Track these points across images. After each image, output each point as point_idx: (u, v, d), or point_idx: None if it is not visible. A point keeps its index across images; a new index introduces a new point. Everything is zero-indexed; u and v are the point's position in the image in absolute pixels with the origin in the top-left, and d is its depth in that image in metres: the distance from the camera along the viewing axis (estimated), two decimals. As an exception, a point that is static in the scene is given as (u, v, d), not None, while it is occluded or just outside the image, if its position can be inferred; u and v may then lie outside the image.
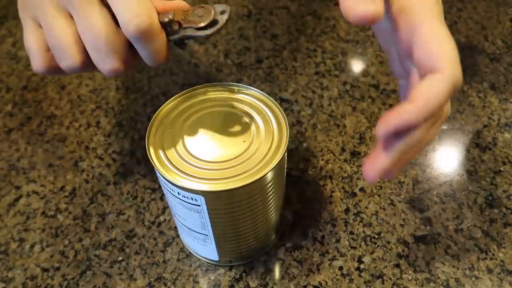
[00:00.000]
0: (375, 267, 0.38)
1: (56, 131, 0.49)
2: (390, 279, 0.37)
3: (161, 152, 0.32)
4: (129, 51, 0.31)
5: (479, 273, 0.37)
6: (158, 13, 0.30)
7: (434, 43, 0.25)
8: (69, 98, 0.52)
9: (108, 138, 0.48)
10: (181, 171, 0.30)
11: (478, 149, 0.46)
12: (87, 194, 0.43)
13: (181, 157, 0.31)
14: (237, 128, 0.33)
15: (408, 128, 0.25)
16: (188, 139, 0.32)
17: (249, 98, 0.35)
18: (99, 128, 0.49)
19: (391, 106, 0.49)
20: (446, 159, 0.45)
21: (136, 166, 0.45)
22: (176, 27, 0.30)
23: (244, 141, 0.32)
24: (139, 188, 0.43)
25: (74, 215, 0.42)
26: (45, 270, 0.38)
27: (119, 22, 0.28)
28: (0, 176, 0.45)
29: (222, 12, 0.30)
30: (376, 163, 0.26)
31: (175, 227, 0.40)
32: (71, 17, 0.30)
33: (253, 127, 0.33)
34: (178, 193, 0.31)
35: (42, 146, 0.47)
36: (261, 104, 0.34)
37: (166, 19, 0.30)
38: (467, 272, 0.37)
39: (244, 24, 0.60)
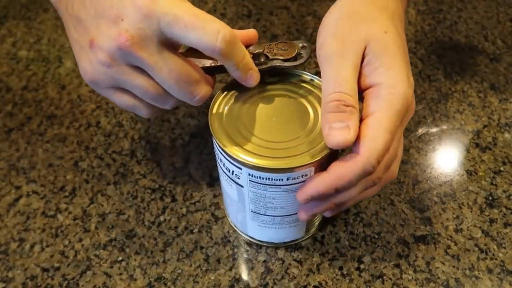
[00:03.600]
0: (375, 267, 0.38)
1: (56, 131, 0.49)
2: (390, 279, 0.37)
3: (248, 147, 0.31)
4: (207, 76, 0.34)
5: (479, 273, 0.37)
6: (247, 46, 0.33)
7: (367, 135, 0.29)
8: (69, 98, 0.52)
9: (108, 138, 0.48)
10: (278, 157, 0.30)
11: (478, 149, 0.46)
12: (87, 194, 0.43)
13: (263, 146, 0.31)
14: (291, 108, 0.34)
15: (322, 196, 0.30)
16: (252, 126, 0.33)
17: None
18: (99, 128, 0.49)
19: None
20: (446, 159, 0.45)
21: (136, 166, 0.45)
22: (263, 58, 0.34)
23: (304, 118, 0.33)
24: (139, 188, 0.43)
25: (74, 215, 0.42)
26: (45, 270, 0.38)
27: (203, 50, 0.30)
28: (0, 176, 0.45)
29: (303, 47, 0.35)
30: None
31: (175, 227, 0.40)
32: (142, 70, 0.31)
33: (307, 104, 0.34)
34: (287, 178, 0.31)
35: (42, 146, 0.47)
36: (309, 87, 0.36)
37: (256, 51, 0.34)
38: (467, 272, 0.37)
39: (244, 24, 0.60)
